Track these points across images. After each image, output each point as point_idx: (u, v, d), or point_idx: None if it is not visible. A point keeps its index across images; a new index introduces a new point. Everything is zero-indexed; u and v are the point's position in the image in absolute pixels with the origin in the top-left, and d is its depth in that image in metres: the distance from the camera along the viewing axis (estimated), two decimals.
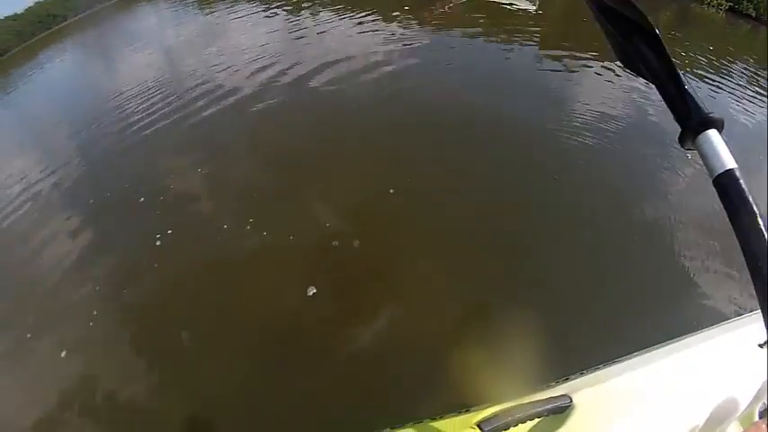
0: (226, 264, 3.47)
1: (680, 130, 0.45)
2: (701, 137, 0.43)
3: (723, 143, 0.42)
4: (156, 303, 3.35)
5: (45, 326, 3.41)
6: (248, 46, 7.04)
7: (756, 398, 1.20)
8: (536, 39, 7.21)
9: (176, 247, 3.82)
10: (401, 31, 7.17)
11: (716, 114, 0.43)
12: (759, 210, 0.39)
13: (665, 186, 3.76)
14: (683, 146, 0.45)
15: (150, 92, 6.44)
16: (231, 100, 5.38)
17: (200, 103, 5.49)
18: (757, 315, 1.24)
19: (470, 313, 2.75)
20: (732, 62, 8.59)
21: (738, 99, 6.15)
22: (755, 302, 0.42)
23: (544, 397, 0.94)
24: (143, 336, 3.12)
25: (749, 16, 20.68)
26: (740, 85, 7.01)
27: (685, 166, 4.00)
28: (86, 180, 5.23)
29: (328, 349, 2.65)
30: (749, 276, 0.39)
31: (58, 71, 11.86)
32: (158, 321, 3.20)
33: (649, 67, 0.50)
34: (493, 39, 7.03)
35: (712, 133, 0.43)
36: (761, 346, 1.14)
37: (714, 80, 6.84)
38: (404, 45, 6.45)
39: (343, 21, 8.03)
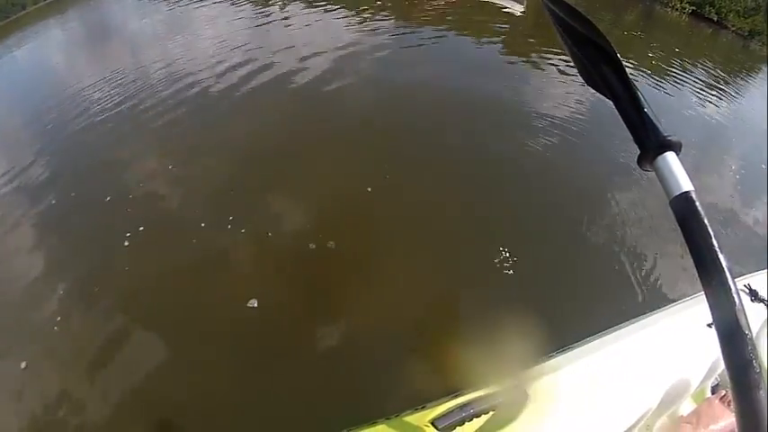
0: (202, 264, 3.35)
1: (639, 151, 0.45)
2: (659, 159, 0.43)
3: (680, 165, 0.43)
4: (127, 306, 3.20)
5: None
6: (217, 36, 6.79)
7: (707, 375, 1.24)
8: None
9: (147, 248, 3.66)
10: (379, 25, 7.09)
11: (674, 137, 0.44)
12: (713, 231, 0.41)
13: None
14: (641, 167, 0.46)
15: (111, 84, 6.12)
16: (197, 93, 5.16)
17: (164, 94, 5.25)
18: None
19: (439, 316, 2.73)
20: (698, 63, 9.03)
21: (702, 96, 6.45)
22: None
23: (498, 389, 0.93)
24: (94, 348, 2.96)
25: (711, 20, 21.70)
26: (707, 84, 7.35)
27: None
28: (47, 178, 4.96)
29: (292, 350, 2.60)
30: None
31: (17, 62, 11.24)
32: (127, 327, 3.05)
33: (610, 87, 0.50)
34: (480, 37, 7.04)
35: (670, 156, 0.43)
36: (709, 325, 1.16)
37: (683, 80, 7.11)
38: (379, 36, 6.41)
39: (324, 14, 7.87)
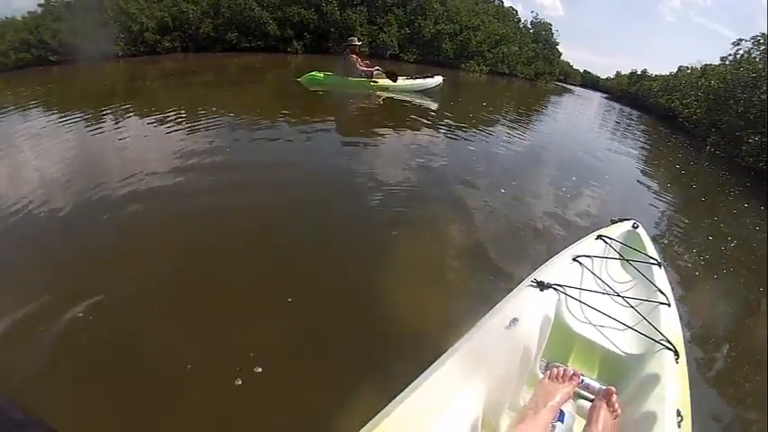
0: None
1: None
2: None
3: None
4: None
5: None
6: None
7: (526, 363, 1.39)
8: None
9: None
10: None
11: None
12: None
13: None
14: None
15: None
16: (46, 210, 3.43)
17: None
18: (502, 304, 1.53)
19: None
20: (501, 111, 11.33)
21: (509, 135, 7.84)
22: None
23: None
24: None
25: (503, 73, 27.32)
26: (510, 125, 9.19)
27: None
28: None
29: None
30: None
31: None
32: None
33: None
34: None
35: None
36: (507, 327, 1.38)
37: (491, 125, 8.68)
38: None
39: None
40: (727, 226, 5.32)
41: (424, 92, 10.33)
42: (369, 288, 2.61)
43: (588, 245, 2.18)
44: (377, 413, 1.00)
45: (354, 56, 9.52)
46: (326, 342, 2.16)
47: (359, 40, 10.10)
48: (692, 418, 1.24)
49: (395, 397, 1.05)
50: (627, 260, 2.16)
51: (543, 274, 1.75)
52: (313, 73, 9.71)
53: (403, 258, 2.94)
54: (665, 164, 9.38)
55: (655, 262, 2.14)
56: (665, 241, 4.17)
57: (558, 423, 1.25)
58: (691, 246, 4.29)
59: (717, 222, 5.40)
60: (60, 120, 6.46)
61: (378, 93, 9.50)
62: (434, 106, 9.56)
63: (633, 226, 2.49)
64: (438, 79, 10.58)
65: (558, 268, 1.87)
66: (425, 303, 2.44)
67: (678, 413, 1.18)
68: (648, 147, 11.48)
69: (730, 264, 4.06)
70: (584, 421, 1.23)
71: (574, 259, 1.96)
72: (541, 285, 1.63)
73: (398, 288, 2.60)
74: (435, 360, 1.20)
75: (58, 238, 3.00)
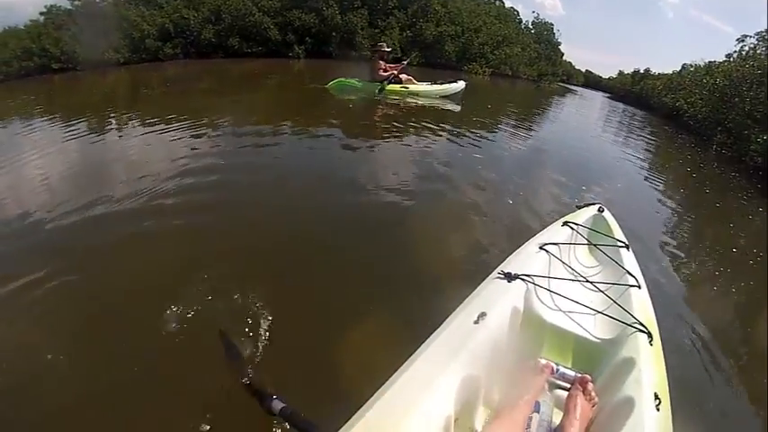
0: None
1: None
2: None
3: None
4: None
5: None
6: None
7: (495, 358, 1.30)
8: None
9: None
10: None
11: None
12: None
13: None
14: None
15: None
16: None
17: None
18: (469, 299, 1.37)
19: None
20: (503, 112, 11.31)
21: (510, 136, 7.86)
22: None
23: None
24: None
25: (506, 75, 27.22)
26: (511, 127, 9.16)
27: None
28: None
29: None
30: None
31: None
32: None
33: None
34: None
35: None
36: (475, 322, 1.32)
37: (495, 126, 8.73)
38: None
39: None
40: (746, 235, 5.07)
41: (448, 96, 10.32)
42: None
43: (555, 232, 2.16)
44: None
45: (382, 62, 9.35)
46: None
47: (388, 47, 9.87)
48: (670, 400, 1.21)
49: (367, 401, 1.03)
50: (594, 245, 2.15)
51: (510, 264, 1.73)
52: (340, 79, 9.57)
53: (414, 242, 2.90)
54: (675, 166, 9.21)
55: (622, 245, 2.12)
56: (685, 252, 3.96)
57: (535, 414, 1.22)
58: (715, 258, 4.07)
59: (736, 230, 5.16)
60: (62, 127, 6.47)
61: (405, 98, 9.45)
62: (457, 110, 9.57)
63: (599, 210, 2.47)
64: (461, 84, 10.49)
65: (524, 258, 1.84)
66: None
67: (656, 396, 1.15)
68: (655, 148, 11.33)
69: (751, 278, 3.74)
70: (561, 411, 1.21)
71: (540, 247, 1.92)
72: (509, 276, 1.60)
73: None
74: (405, 361, 1.17)
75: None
